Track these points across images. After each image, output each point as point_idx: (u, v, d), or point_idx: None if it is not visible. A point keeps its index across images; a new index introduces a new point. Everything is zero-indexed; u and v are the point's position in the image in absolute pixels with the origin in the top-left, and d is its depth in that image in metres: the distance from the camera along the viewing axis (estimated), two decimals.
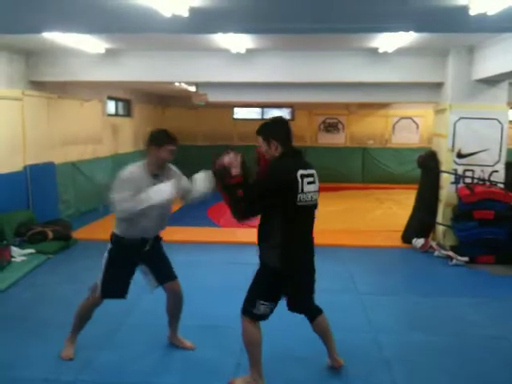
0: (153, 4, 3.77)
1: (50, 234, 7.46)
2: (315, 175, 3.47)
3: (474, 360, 4.20)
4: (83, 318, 4.10)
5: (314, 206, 3.50)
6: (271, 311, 3.57)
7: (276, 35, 6.62)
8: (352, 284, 6.10)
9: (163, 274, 4.12)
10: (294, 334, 4.49)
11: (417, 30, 5.42)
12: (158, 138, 3.83)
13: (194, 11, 3.94)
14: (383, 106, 14.76)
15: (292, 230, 3.36)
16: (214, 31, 5.22)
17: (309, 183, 3.38)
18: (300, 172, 3.35)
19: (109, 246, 3.96)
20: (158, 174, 3.84)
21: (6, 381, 3.81)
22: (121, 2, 3.81)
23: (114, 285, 3.98)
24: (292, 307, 3.63)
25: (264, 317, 3.55)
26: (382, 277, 6.45)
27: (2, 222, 7.15)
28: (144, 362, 4.08)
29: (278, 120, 3.73)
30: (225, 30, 5.01)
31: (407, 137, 15.30)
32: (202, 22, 4.10)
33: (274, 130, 3.53)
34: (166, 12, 3.84)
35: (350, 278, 6.29)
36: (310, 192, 3.37)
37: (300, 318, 3.82)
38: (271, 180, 3.36)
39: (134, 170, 3.82)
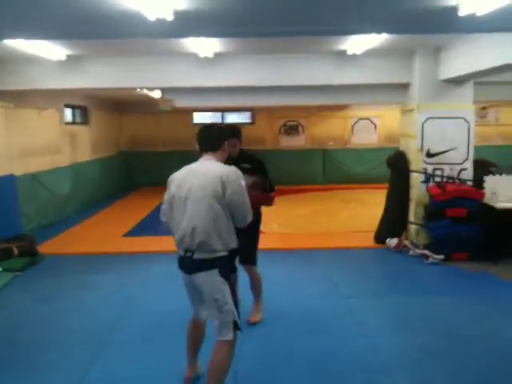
0: (138, 7, 3.61)
1: (16, 251, 7.11)
2: None
3: (469, 359, 4.22)
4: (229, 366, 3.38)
5: None
6: None
7: (245, 39, 6.53)
8: (334, 287, 6.07)
9: None
10: None
11: (400, 32, 5.44)
12: (229, 132, 3.68)
13: (178, 15, 3.80)
14: (342, 107, 14.86)
15: None
16: (198, 35, 5.06)
17: None
18: None
19: (217, 276, 3.27)
20: None
21: None
22: (102, 6, 3.62)
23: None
24: None
25: None
26: (362, 279, 6.44)
27: None
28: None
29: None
30: (208, 34, 4.87)
31: (366, 137, 15.50)
32: (186, 25, 3.96)
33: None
34: (151, 16, 3.69)
35: (331, 282, 6.26)
36: None
37: None
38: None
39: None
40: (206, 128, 3.53)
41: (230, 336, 3.28)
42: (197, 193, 3.24)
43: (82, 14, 3.70)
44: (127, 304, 5.55)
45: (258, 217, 4.82)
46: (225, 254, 3.28)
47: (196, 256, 3.26)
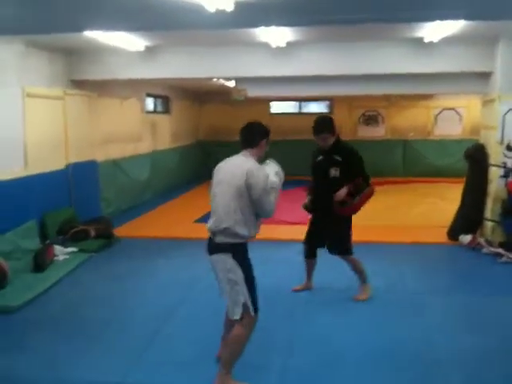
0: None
1: (93, 233, 7.50)
2: None
3: None
4: (243, 349, 3.54)
5: None
6: None
7: (317, 27, 6.45)
8: (400, 282, 5.92)
9: None
10: None
11: (477, 18, 5.15)
12: (267, 131, 3.81)
13: (238, 5, 3.83)
14: (425, 97, 14.34)
15: None
16: (258, 25, 5.08)
17: None
18: None
19: (231, 259, 3.52)
20: None
21: (53, 381, 3.81)
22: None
23: (256, 294, 3.58)
24: None
25: None
26: (429, 275, 6.23)
27: (45, 220, 7.24)
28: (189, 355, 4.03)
29: (329, 116, 5.20)
30: (269, 24, 4.88)
31: (450, 128, 14.86)
32: (246, 16, 3.98)
33: (333, 124, 4.87)
34: (210, 7, 3.74)
35: (398, 276, 6.11)
36: None
37: None
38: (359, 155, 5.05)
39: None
40: (246, 126, 3.81)
41: (237, 315, 3.45)
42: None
43: (143, 6, 3.82)
44: (189, 289, 5.72)
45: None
46: (239, 241, 3.51)
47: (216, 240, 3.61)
